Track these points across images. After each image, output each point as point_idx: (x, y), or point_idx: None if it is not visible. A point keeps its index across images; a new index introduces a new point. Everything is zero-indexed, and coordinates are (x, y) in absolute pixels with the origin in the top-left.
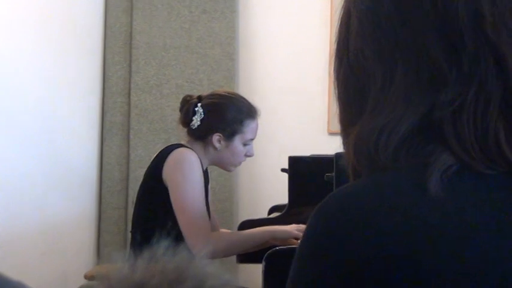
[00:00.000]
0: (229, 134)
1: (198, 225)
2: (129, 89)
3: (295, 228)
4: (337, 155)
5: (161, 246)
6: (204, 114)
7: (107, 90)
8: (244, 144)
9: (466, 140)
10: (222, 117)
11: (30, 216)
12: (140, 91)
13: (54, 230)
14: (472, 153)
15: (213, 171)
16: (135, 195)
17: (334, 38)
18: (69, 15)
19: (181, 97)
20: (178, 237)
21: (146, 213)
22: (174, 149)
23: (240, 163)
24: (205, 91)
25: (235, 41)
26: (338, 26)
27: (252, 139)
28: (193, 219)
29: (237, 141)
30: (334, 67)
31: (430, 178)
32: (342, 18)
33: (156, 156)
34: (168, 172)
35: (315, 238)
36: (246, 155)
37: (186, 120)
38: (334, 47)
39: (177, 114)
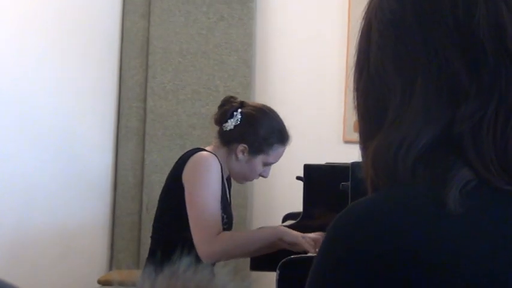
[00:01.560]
0: (255, 150)
1: (205, 225)
2: (145, 94)
3: (301, 235)
4: (353, 164)
5: (182, 263)
6: (240, 121)
7: (123, 95)
8: (264, 165)
9: (486, 155)
10: (254, 131)
11: (44, 221)
12: (156, 96)
13: (67, 234)
14: (492, 168)
15: None
16: (149, 201)
17: (351, 47)
18: (86, 20)
19: (197, 103)
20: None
21: (167, 217)
22: (196, 152)
23: (252, 180)
24: (221, 97)
25: (252, 47)
26: (358, 38)
27: (273, 163)
28: (202, 219)
29: (259, 159)
30: (354, 78)
31: (449, 193)
32: (362, 29)
33: (179, 159)
34: (186, 173)
35: (334, 252)
36: (261, 175)
37: (221, 119)
38: (354, 58)
39: (192, 120)
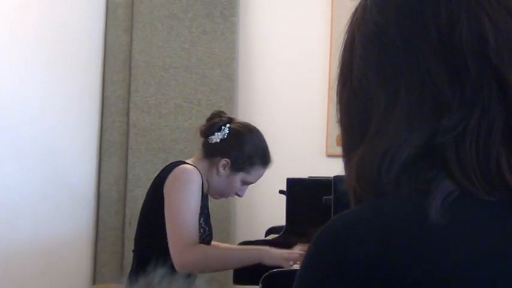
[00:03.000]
0: (237, 167)
1: (180, 235)
2: (128, 109)
3: (285, 257)
4: (336, 178)
5: (157, 274)
6: (227, 135)
7: (106, 109)
8: (243, 183)
9: (468, 166)
10: (240, 147)
11: (27, 235)
12: (139, 110)
13: (51, 248)
14: (474, 179)
15: None
16: (132, 215)
17: (334, 60)
18: (69, 34)
19: (179, 117)
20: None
21: (148, 230)
22: (178, 165)
23: (227, 197)
24: (204, 111)
25: (234, 61)
26: (341, 50)
27: (252, 183)
28: (178, 228)
29: (239, 176)
30: (337, 91)
31: (431, 205)
32: (345, 42)
33: (160, 171)
34: (167, 185)
35: (317, 265)
36: (237, 193)
37: (207, 131)
38: (337, 71)
39: (175, 134)
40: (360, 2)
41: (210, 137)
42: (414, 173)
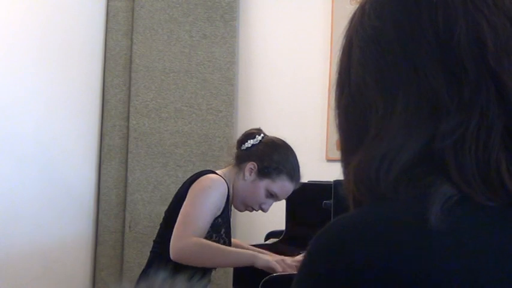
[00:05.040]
0: (262, 172)
1: (184, 223)
2: (128, 113)
3: (278, 261)
4: (336, 182)
5: (159, 277)
6: (259, 142)
7: (106, 113)
8: (268, 194)
9: (468, 170)
10: (270, 152)
11: (27, 239)
12: (139, 115)
13: (51, 252)
14: (473, 184)
15: None
16: (132, 219)
17: (334, 65)
18: (69, 38)
19: (179, 121)
20: (176, 268)
21: (168, 233)
22: (206, 174)
23: (250, 208)
24: (204, 116)
25: (234, 66)
26: (340, 55)
27: (276, 196)
28: (184, 218)
29: (264, 184)
30: (335, 96)
31: (431, 209)
32: (343, 47)
33: (188, 178)
34: (191, 189)
35: (315, 269)
36: (261, 207)
37: (242, 140)
38: (335, 76)
39: (174, 138)
40: (358, 7)
41: (243, 145)
42: (413, 177)
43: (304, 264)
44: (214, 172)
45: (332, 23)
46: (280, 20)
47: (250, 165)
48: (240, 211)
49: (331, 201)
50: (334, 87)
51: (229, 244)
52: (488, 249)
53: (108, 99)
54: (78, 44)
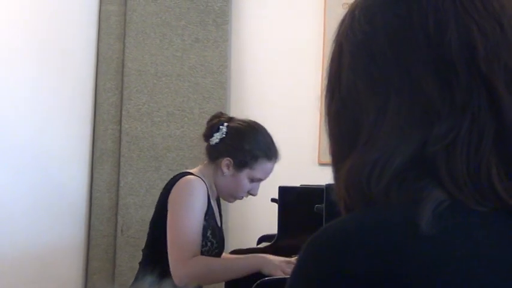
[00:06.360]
0: (239, 164)
1: (181, 247)
2: (120, 116)
3: (284, 265)
4: (328, 186)
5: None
6: (225, 134)
7: (98, 117)
8: (251, 181)
9: (459, 175)
10: (239, 144)
11: (19, 243)
12: (131, 118)
13: (42, 256)
14: (464, 189)
15: None
16: (124, 223)
17: (326, 71)
18: (61, 42)
19: (172, 125)
20: (164, 273)
21: (158, 245)
22: (182, 177)
23: (240, 197)
24: (196, 119)
25: (227, 70)
26: (329, 60)
27: (261, 179)
28: (179, 240)
29: (244, 174)
30: (326, 102)
31: (422, 214)
32: (333, 52)
33: (166, 185)
34: (171, 197)
35: (307, 274)
36: (249, 193)
37: (207, 133)
38: (325, 81)
39: (167, 142)
40: (347, 12)
41: (210, 139)
42: (404, 182)
43: (296, 269)
44: (189, 173)
45: (324, 26)
46: (272, 24)
47: (226, 161)
48: (231, 202)
49: (323, 205)
50: (324, 93)
51: (220, 245)
52: (479, 254)
53: (100, 103)
54: (70, 48)
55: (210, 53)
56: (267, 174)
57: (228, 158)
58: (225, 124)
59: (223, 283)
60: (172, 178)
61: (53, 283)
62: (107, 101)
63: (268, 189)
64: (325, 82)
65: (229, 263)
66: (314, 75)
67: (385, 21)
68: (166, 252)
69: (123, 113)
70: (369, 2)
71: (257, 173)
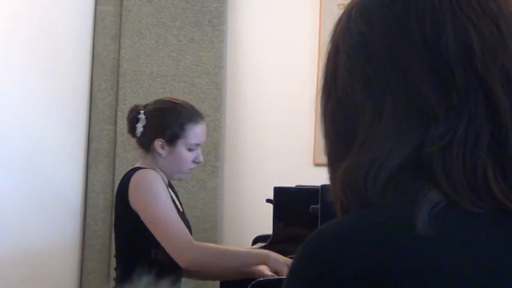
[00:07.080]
0: (170, 139)
1: (177, 237)
2: (116, 117)
3: (290, 263)
4: (323, 187)
5: (142, 282)
6: (146, 120)
7: (93, 117)
8: (190, 150)
9: (455, 176)
10: (162, 121)
11: (13, 243)
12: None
13: (37, 256)
14: (460, 190)
15: (198, 201)
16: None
17: (322, 70)
18: (57, 42)
19: None
20: (160, 272)
21: (126, 244)
22: (133, 174)
23: (190, 170)
24: None
25: (222, 70)
26: (325, 61)
27: (198, 144)
28: (170, 232)
29: (180, 146)
30: (321, 102)
31: (418, 215)
32: (329, 53)
33: (119, 185)
34: (132, 196)
35: (303, 276)
36: (194, 162)
37: (130, 128)
38: (321, 82)
39: None
40: (344, 12)
41: (136, 132)
42: (401, 183)
43: (292, 270)
44: (138, 168)
45: (320, 27)
46: (268, 25)
47: (158, 143)
48: (182, 179)
49: (318, 205)
50: (320, 93)
51: (189, 229)
52: (475, 255)
53: (95, 103)
54: (65, 48)
55: (205, 53)
56: (201, 136)
57: (159, 139)
58: (142, 112)
59: (218, 283)
60: (122, 178)
61: (47, 283)
62: (102, 101)
63: (264, 189)
64: (321, 82)
65: (235, 250)
66: (310, 75)
67: (381, 21)
68: (136, 248)
69: (119, 113)
70: (365, 2)
71: (191, 139)
